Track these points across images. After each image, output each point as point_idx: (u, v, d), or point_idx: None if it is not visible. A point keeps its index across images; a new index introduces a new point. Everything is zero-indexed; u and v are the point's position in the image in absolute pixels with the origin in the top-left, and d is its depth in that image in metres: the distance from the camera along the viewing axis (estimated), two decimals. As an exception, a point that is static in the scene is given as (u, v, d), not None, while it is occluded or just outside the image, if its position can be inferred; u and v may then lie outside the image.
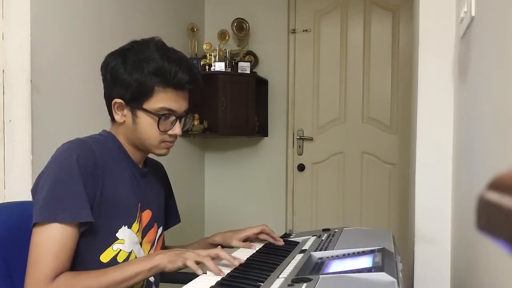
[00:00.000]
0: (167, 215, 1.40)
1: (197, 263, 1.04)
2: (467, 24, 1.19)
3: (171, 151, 1.25)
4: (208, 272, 1.04)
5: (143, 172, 1.26)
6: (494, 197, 0.29)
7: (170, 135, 1.19)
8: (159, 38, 1.21)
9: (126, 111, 1.17)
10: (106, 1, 2.11)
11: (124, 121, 1.18)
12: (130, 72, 1.14)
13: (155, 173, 1.34)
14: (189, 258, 1.04)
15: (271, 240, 1.36)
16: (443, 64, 1.53)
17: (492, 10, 0.96)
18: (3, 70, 1.62)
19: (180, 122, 1.20)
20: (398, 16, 3.12)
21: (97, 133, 1.23)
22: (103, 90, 1.22)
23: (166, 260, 1.04)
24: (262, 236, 1.37)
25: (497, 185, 0.30)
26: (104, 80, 1.20)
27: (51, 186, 1.04)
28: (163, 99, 1.15)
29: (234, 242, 1.35)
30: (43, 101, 1.69)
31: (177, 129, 1.18)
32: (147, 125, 1.16)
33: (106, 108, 1.22)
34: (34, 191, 1.09)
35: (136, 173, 1.23)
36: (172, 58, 1.15)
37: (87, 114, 1.93)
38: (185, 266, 1.05)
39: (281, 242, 1.34)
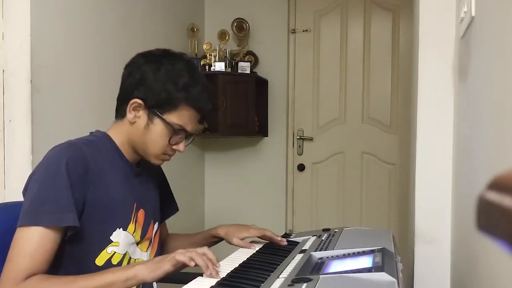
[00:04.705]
0: (164, 206, 1.40)
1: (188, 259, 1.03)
2: (467, 24, 1.19)
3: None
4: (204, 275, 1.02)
5: (138, 172, 1.26)
6: (494, 197, 0.29)
7: (173, 149, 1.21)
8: (188, 55, 1.26)
9: (141, 113, 1.17)
10: (106, 1, 2.11)
11: (135, 122, 1.18)
12: (163, 81, 1.15)
13: (149, 169, 1.33)
14: (178, 254, 1.03)
15: (274, 240, 1.35)
16: (443, 64, 1.53)
17: (492, 10, 0.96)
18: (3, 70, 1.62)
19: (185, 140, 1.23)
20: (398, 16, 3.12)
21: (89, 134, 1.23)
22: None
23: (146, 271, 1.02)
24: (265, 238, 1.38)
25: (497, 185, 0.30)
26: (128, 76, 1.19)
27: (37, 190, 1.04)
28: (183, 117, 1.17)
29: (235, 240, 1.36)
30: (43, 101, 1.69)
31: (181, 146, 1.22)
32: (158, 133, 1.17)
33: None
34: (24, 193, 1.09)
35: (130, 173, 1.23)
36: (203, 83, 1.20)
37: (87, 114, 1.93)
38: (173, 268, 1.03)
39: (284, 242, 1.34)
